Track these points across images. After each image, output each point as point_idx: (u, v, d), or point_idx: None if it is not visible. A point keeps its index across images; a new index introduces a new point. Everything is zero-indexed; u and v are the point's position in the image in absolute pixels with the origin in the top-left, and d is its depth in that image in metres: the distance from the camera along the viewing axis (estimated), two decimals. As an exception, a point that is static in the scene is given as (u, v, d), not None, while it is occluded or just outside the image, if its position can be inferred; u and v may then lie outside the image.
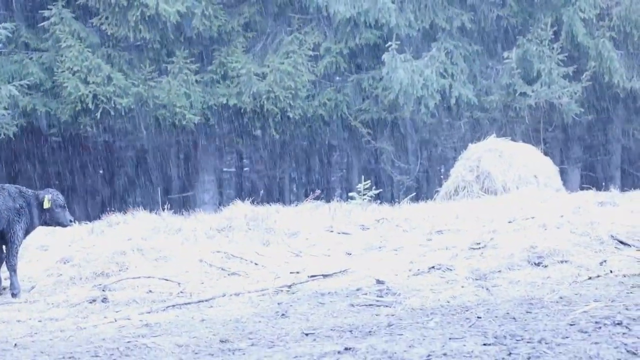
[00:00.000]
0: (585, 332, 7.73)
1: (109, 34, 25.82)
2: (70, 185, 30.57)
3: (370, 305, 10.08)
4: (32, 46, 26.20)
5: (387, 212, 16.93)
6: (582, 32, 26.64)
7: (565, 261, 11.56)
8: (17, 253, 12.76)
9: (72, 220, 13.48)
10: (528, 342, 7.43)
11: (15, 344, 9.13)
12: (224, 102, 26.38)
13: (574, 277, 10.82)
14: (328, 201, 19.32)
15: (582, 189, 22.59)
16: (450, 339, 7.77)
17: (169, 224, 15.93)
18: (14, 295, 12.53)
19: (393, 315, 9.37)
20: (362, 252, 13.62)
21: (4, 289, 12.90)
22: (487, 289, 10.49)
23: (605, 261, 11.57)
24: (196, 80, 26.21)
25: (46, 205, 13.07)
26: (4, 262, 12.85)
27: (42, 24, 25.81)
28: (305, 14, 27.52)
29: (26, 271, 13.55)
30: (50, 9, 25.54)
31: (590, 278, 10.67)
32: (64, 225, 13.36)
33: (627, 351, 6.94)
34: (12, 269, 12.64)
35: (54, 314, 11.05)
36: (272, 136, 27.78)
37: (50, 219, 13.15)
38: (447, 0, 27.00)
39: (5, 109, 23.49)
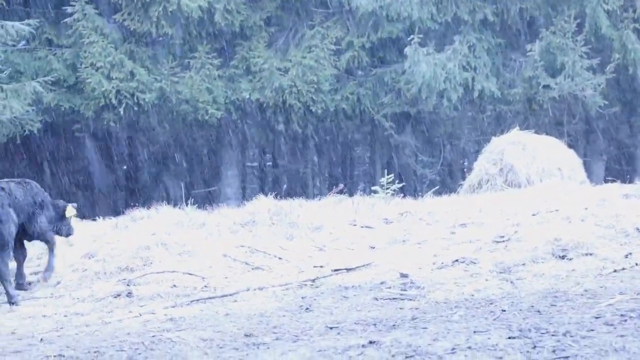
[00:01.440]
0: (611, 325, 7.70)
1: (131, 29, 25.88)
2: (94, 180, 30.69)
3: (394, 298, 10.09)
4: (56, 42, 26.30)
5: (411, 205, 16.90)
6: (606, 24, 26.46)
7: (590, 254, 11.52)
8: (52, 237, 12.95)
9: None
10: (553, 335, 7.42)
11: (42, 339, 9.20)
12: (247, 96, 26.40)
13: (598, 269, 10.79)
14: (351, 195, 19.29)
15: (606, 181, 22.45)
16: (474, 332, 7.76)
17: (192, 219, 15.97)
18: (47, 274, 12.71)
19: (417, 308, 9.38)
20: (385, 245, 13.61)
21: (29, 284, 13.00)
22: (511, 282, 10.47)
23: (630, 254, 11.52)
24: (219, 75, 26.24)
25: (70, 213, 13.29)
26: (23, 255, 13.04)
27: (65, 20, 25.89)
28: (327, 8, 27.48)
29: (51, 266, 13.63)
30: (73, 5, 25.59)
31: (615, 271, 10.64)
32: (70, 235, 13.73)
33: (653, 344, 6.92)
34: (52, 250, 12.99)
35: (79, 308, 11.13)
36: (294, 130, 27.77)
37: (62, 229, 13.42)
38: (469, -8, 26.91)
39: (29, 105, 23.59)
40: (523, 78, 26.85)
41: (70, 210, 13.39)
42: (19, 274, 13.02)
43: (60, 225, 13.40)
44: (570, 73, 26.28)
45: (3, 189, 12.48)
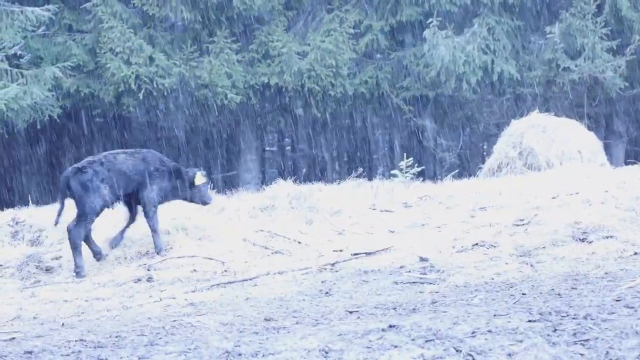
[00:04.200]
0: (632, 308, 7.68)
1: (150, 14, 25.90)
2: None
3: (414, 282, 10.09)
4: (75, 28, 26.36)
5: (430, 189, 16.88)
6: (626, 6, 26.30)
7: (611, 236, 11.48)
8: (154, 215, 13.13)
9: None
10: (573, 318, 7.41)
11: (63, 324, 9.25)
12: (266, 81, 26.40)
13: (619, 252, 10.75)
14: (370, 179, 19.28)
15: (626, 163, 22.35)
16: (494, 315, 7.76)
17: (212, 204, 15.99)
18: (158, 253, 12.93)
19: (437, 292, 9.38)
20: (405, 229, 13.59)
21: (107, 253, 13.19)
22: (531, 265, 10.45)
23: (651, 236, 11.47)
24: (237, 60, 26.23)
25: (200, 181, 13.39)
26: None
27: (84, 5, 25.95)
28: (345, -9, 27.46)
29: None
30: (92, -9, 25.69)
31: (636, 253, 10.60)
32: (207, 203, 13.84)
33: (674, 327, 6.90)
34: (153, 229, 13.10)
35: (100, 293, 11.17)
36: (313, 115, 27.74)
37: (195, 196, 13.59)
38: (489, -25, 26.78)
39: (49, 90, 23.70)
40: (542, 60, 26.74)
41: (200, 178, 13.50)
42: (120, 236, 13.31)
43: (192, 193, 13.58)
44: (590, 55, 26.16)
45: (102, 163, 12.70)
